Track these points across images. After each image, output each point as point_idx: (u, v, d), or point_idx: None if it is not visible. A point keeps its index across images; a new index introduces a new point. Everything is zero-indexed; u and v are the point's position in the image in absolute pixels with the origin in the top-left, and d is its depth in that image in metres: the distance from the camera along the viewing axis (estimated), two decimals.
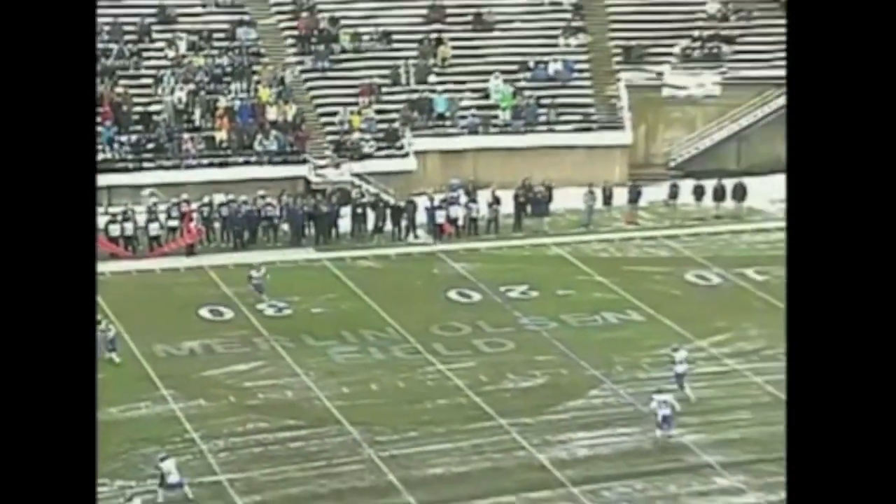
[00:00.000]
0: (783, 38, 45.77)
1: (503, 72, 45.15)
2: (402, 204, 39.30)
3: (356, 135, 42.93)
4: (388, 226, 39.15)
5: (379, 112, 43.78)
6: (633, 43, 46.42)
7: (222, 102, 42.71)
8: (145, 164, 41.11)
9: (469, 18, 46.80)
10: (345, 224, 39.09)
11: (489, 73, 45.13)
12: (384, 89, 44.52)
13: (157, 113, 42.35)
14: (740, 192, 40.84)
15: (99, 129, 39.66)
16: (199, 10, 45.90)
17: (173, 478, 23.73)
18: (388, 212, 39.30)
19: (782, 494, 24.61)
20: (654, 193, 41.47)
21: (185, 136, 41.73)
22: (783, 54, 45.66)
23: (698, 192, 41.14)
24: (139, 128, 41.73)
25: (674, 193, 41.15)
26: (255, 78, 43.85)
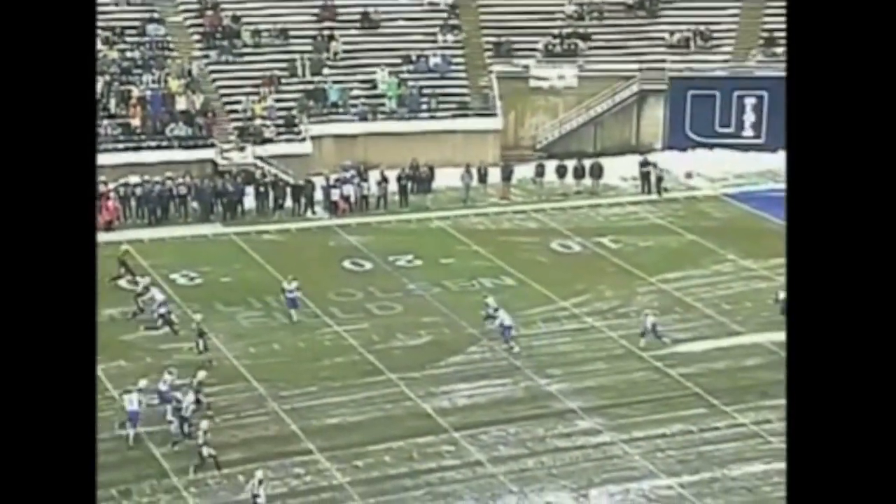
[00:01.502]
0: (630, 36, 46.89)
1: (389, 65, 44.96)
2: (301, 183, 38.98)
3: (258, 121, 42.39)
4: (289, 203, 38.80)
5: (278, 101, 43.27)
6: (502, 39, 46.62)
7: (135, 92, 41.75)
8: None
9: (357, 17, 46.47)
10: (249, 202, 38.64)
11: (376, 65, 44.90)
12: (283, 80, 44.01)
13: None
14: (597, 171, 41.35)
15: None
16: (111, 7, 44.69)
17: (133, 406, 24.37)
18: (288, 190, 38.96)
19: (633, 433, 25.25)
20: (523, 172, 41.72)
21: (103, 122, 40.76)
22: (630, 50, 46.53)
23: (561, 171, 41.53)
24: None
25: (540, 172, 41.47)
26: (165, 70, 42.96)
